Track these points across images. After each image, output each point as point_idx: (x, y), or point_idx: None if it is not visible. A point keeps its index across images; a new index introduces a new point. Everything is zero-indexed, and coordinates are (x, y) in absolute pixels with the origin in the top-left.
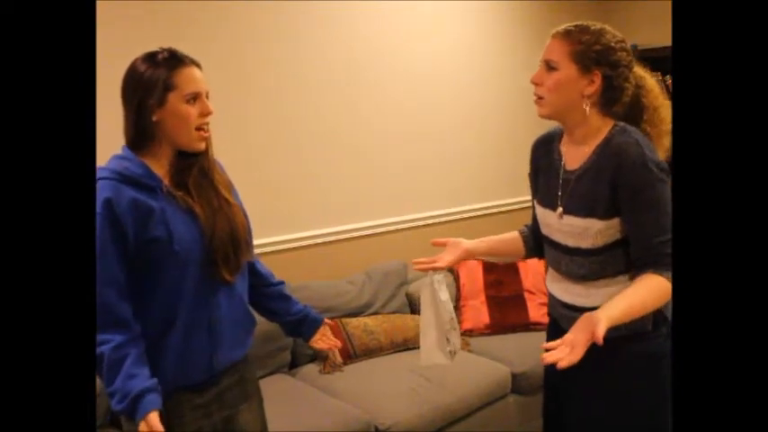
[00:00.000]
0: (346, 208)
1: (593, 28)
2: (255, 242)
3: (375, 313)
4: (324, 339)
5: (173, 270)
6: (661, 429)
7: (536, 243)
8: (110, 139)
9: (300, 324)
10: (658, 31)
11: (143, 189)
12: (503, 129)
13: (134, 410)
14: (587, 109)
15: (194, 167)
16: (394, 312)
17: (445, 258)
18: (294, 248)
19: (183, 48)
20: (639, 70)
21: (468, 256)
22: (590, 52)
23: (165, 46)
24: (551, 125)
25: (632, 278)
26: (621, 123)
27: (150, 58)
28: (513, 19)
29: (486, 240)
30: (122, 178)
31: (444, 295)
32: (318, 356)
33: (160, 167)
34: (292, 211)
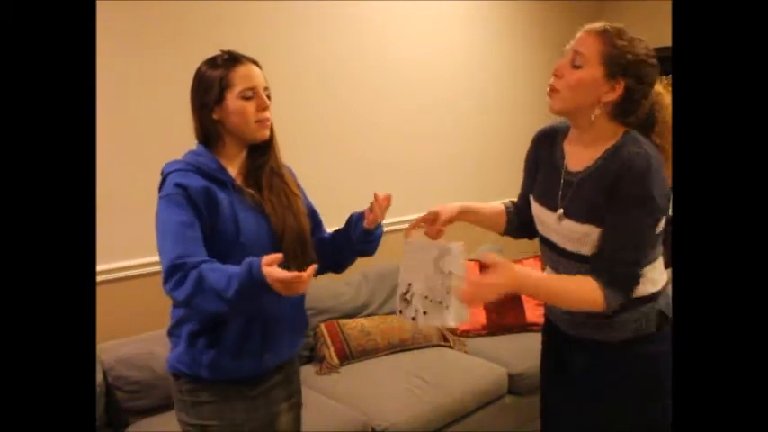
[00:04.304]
0: (342, 209)
1: (629, 35)
2: None
3: (372, 314)
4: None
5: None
6: (662, 431)
7: (519, 224)
8: (109, 139)
9: (352, 231)
10: (655, 32)
11: (214, 181)
12: (502, 129)
13: (255, 281)
14: (600, 115)
15: (266, 166)
16: (390, 313)
17: (440, 225)
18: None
19: (178, 47)
20: (658, 87)
21: (451, 221)
22: (622, 59)
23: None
24: (550, 121)
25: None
26: (634, 132)
27: (211, 61)
28: (513, 19)
29: (467, 206)
30: (194, 169)
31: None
32: (315, 358)
33: (232, 165)
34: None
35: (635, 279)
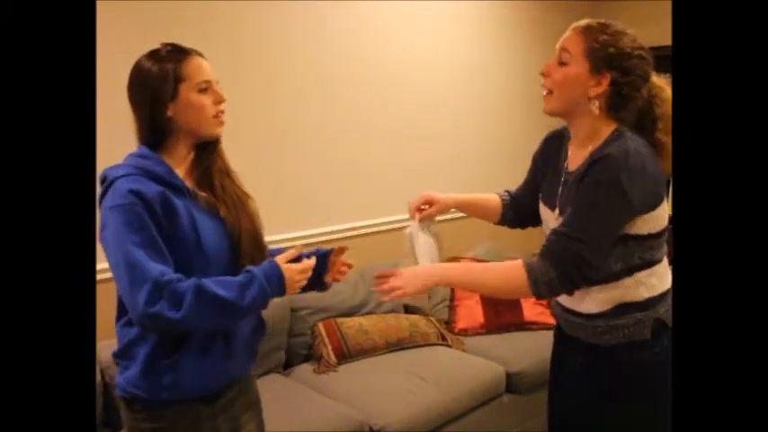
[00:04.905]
0: (339, 207)
1: (613, 29)
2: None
3: (369, 313)
4: (337, 269)
5: (199, 273)
6: None
7: (514, 215)
8: (110, 138)
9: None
10: (653, 31)
11: (167, 186)
12: (500, 129)
13: (277, 281)
14: (596, 110)
15: (215, 166)
16: (388, 312)
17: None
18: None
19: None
20: (658, 80)
21: (443, 208)
22: (604, 53)
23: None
24: (549, 125)
25: (619, 283)
26: (623, 128)
27: (155, 54)
28: (512, 19)
29: (460, 196)
30: (144, 173)
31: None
32: (313, 356)
33: (180, 167)
34: (286, 212)
35: (578, 261)
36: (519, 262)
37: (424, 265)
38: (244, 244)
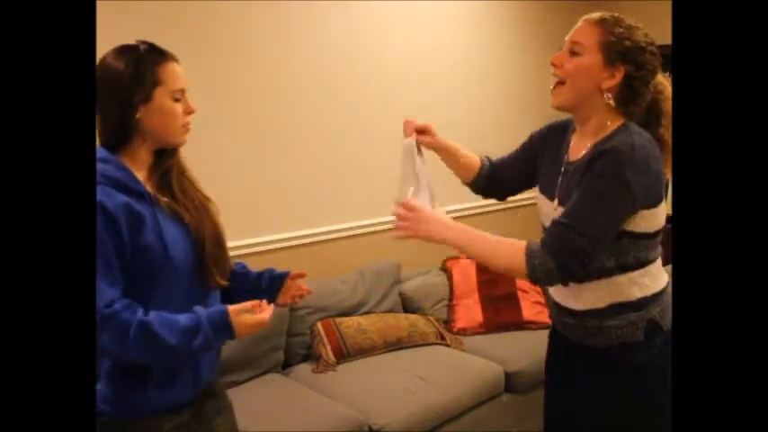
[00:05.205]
0: (339, 207)
1: (627, 22)
2: (249, 241)
3: (368, 312)
4: (292, 293)
5: (166, 280)
6: None
7: (487, 181)
8: None
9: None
10: (653, 31)
11: (130, 194)
12: (500, 128)
13: (225, 332)
14: (611, 102)
15: (173, 170)
16: (387, 312)
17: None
18: (287, 247)
19: (178, 48)
20: (660, 77)
21: (434, 144)
22: (620, 46)
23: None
24: (549, 122)
25: (615, 278)
26: (631, 123)
27: (129, 51)
28: (511, 19)
29: (449, 141)
30: (108, 181)
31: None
32: (312, 356)
33: (139, 169)
34: (285, 210)
35: (578, 252)
36: (522, 244)
37: (439, 212)
38: (208, 248)
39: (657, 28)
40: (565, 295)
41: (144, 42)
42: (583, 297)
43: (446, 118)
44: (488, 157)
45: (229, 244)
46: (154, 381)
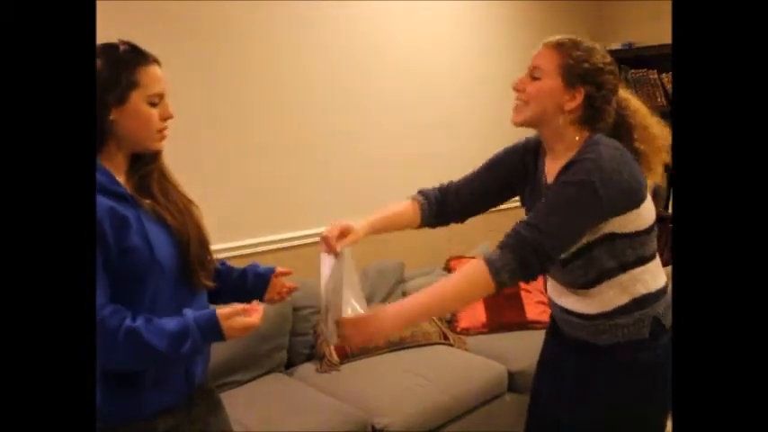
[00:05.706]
0: (342, 206)
1: (585, 45)
2: (254, 240)
3: None
4: (277, 290)
5: (153, 282)
6: None
7: (439, 211)
8: None
9: (244, 281)
10: (653, 30)
11: (113, 197)
12: (500, 128)
13: (214, 336)
14: (560, 122)
15: (154, 173)
16: None
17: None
18: (290, 247)
19: (178, 47)
20: (623, 92)
21: (358, 239)
22: (578, 69)
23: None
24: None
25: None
26: (598, 135)
27: (108, 51)
28: (511, 19)
29: (370, 221)
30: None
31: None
32: (315, 356)
33: (118, 171)
34: (288, 210)
35: (536, 248)
36: (476, 260)
37: (380, 310)
38: (193, 249)
39: (657, 28)
40: (574, 303)
41: (125, 43)
42: (594, 302)
43: (446, 118)
44: (422, 193)
45: (238, 243)
46: (147, 383)
